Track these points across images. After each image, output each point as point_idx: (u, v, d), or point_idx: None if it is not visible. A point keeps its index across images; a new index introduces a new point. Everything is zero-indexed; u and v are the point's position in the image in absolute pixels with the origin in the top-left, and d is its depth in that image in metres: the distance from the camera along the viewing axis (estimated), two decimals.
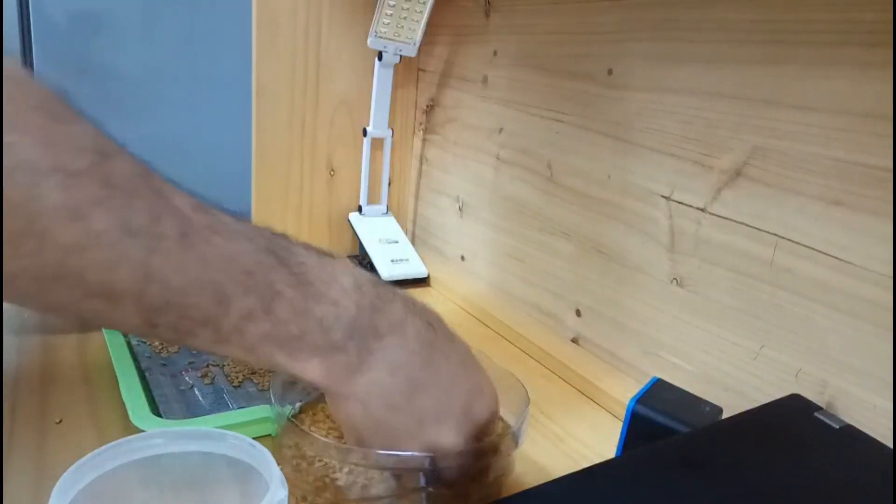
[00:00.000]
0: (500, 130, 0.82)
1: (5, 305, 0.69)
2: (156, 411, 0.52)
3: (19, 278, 0.28)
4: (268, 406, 0.51)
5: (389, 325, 0.37)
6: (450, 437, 0.38)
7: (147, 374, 0.58)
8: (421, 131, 1.00)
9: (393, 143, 0.97)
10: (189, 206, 0.33)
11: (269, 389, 0.47)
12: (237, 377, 0.59)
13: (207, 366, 0.60)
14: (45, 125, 0.28)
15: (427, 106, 0.98)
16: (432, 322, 0.40)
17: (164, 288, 0.31)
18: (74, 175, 0.28)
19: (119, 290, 0.30)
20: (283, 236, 0.36)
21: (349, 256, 1.00)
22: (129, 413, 0.49)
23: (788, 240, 0.51)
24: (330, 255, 0.37)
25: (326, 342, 0.35)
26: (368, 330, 0.36)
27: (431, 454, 0.41)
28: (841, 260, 0.47)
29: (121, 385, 0.53)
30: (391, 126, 0.95)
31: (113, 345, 0.59)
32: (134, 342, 0.63)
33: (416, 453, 0.40)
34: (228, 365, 0.61)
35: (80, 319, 0.33)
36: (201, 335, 0.33)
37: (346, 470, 0.42)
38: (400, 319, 0.37)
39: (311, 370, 0.35)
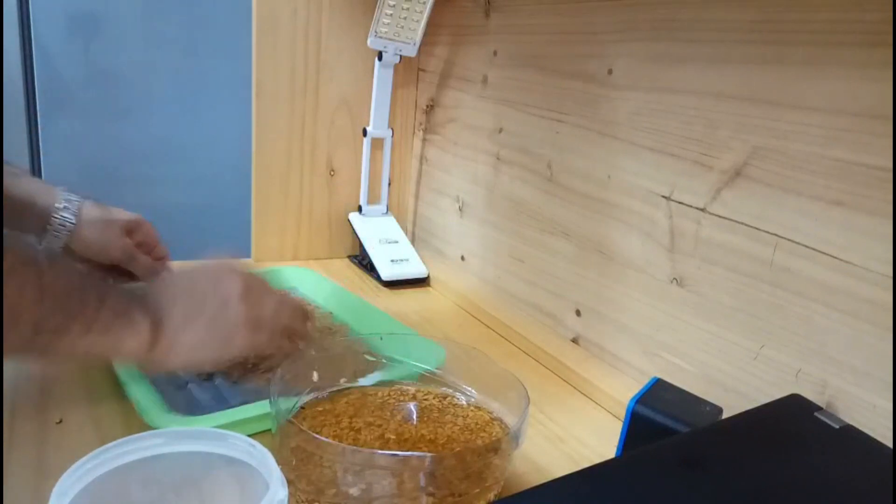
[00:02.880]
0: (500, 130, 0.82)
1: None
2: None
3: None
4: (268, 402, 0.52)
5: (164, 300, 0.52)
6: (230, 280, 0.53)
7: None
8: (421, 131, 1.00)
9: (393, 143, 0.97)
10: (39, 250, 0.48)
11: (267, 385, 0.51)
12: (234, 373, 0.59)
13: None
14: None
15: (427, 106, 0.98)
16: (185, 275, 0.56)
17: (52, 296, 0.44)
18: None
19: (24, 306, 0.42)
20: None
21: (349, 257, 1.00)
22: (143, 413, 0.50)
23: (788, 240, 0.51)
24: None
25: (140, 306, 0.49)
26: (152, 294, 0.52)
27: (431, 454, 0.41)
28: (841, 260, 0.47)
29: (129, 386, 0.53)
30: (391, 126, 0.95)
31: None
32: None
33: (416, 453, 0.40)
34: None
35: None
36: (73, 329, 0.45)
37: (346, 470, 0.42)
38: (168, 292, 0.53)
39: (142, 331, 0.48)
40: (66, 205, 0.66)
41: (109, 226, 0.69)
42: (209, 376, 0.58)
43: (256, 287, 0.55)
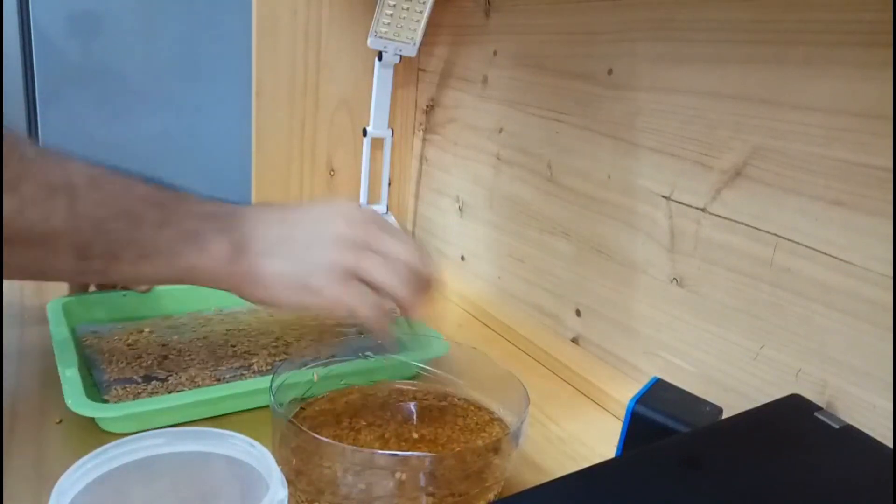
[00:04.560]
0: (500, 130, 0.82)
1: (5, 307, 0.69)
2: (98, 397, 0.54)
3: None
4: (221, 386, 0.55)
5: (247, 208, 0.48)
6: (338, 220, 0.46)
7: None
8: (421, 131, 1.00)
9: (393, 143, 0.97)
10: (83, 164, 0.42)
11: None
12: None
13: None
14: None
15: (427, 106, 0.98)
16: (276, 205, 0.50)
17: (90, 223, 0.40)
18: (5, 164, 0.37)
19: (56, 234, 0.39)
20: (156, 178, 0.45)
21: None
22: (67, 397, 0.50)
23: (788, 240, 0.51)
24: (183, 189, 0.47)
25: (216, 227, 0.44)
26: (236, 211, 0.47)
27: (431, 454, 0.41)
28: (841, 260, 0.47)
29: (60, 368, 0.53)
30: (391, 126, 0.95)
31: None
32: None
33: (416, 453, 0.40)
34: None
35: (20, 273, 0.41)
36: (126, 255, 0.42)
37: (346, 470, 0.42)
38: (260, 217, 0.47)
39: (218, 252, 0.43)
40: None
41: None
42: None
43: (373, 233, 0.47)
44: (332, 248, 0.45)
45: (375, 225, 0.47)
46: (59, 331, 0.60)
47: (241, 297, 0.46)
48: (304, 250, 0.45)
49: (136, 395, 0.55)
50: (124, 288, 0.68)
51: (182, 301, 0.72)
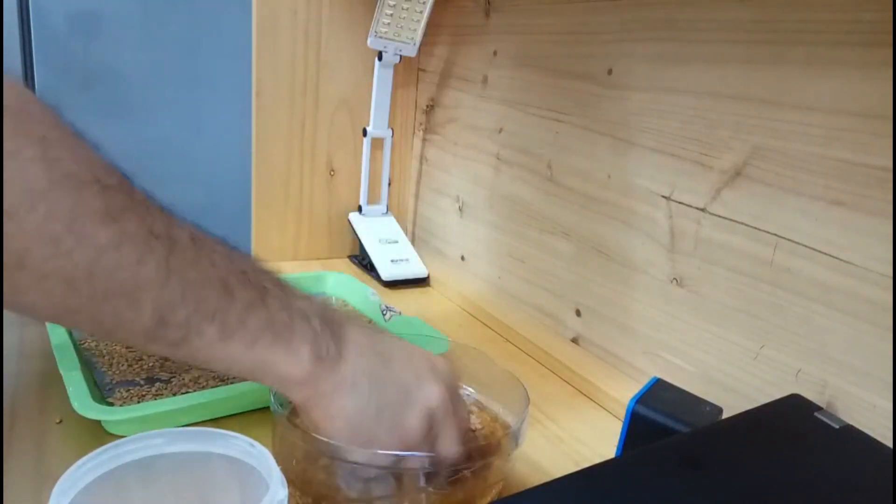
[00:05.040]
0: (500, 130, 0.82)
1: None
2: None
3: (50, 279, 0.31)
4: (224, 388, 0.55)
5: (343, 315, 0.42)
6: (434, 389, 0.41)
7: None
8: (421, 131, 1.00)
9: (393, 143, 0.97)
10: (184, 220, 0.37)
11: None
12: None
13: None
14: (76, 145, 0.34)
15: (427, 106, 0.98)
16: (361, 317, 0.44)
17: (181, 281, 0.34)
18: (108, 188, 0.33)
19: (143, 284, 0.33)
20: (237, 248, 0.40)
21: (349, 257, 1.00)
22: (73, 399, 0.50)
23: (788, 240, 0.51)
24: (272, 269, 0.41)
25: (310, 330, 0.39)
26: (333, 320, 0.41)
27: (431, 454, 0.41)
28: (841, 260, 0.47)
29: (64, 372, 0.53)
30: (391, 126, 0.95)
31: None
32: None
33: (416, 453, 0.40)
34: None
35: (91, 325, 0.35)
36: (208, 332, 0.36)
37: (346, 470, 0.42)
38: (346, 312, 0.42)
39: (301, 359, 0.38)
40: None
41: None
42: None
43: (454, 403, 0.42)
44: (417, 414, 0.40)
45: (458, 414, 0.42)
46: (58, 333, 0.60)
47: (301, 411, 0.41)
48: (391, 398, 0.40)
49: (141, 397, 0.55)
50: None
51: None
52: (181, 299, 0.35)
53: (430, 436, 0.41)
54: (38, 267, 0.31)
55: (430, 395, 0.40)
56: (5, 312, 0.68)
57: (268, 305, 0.37)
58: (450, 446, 0.41)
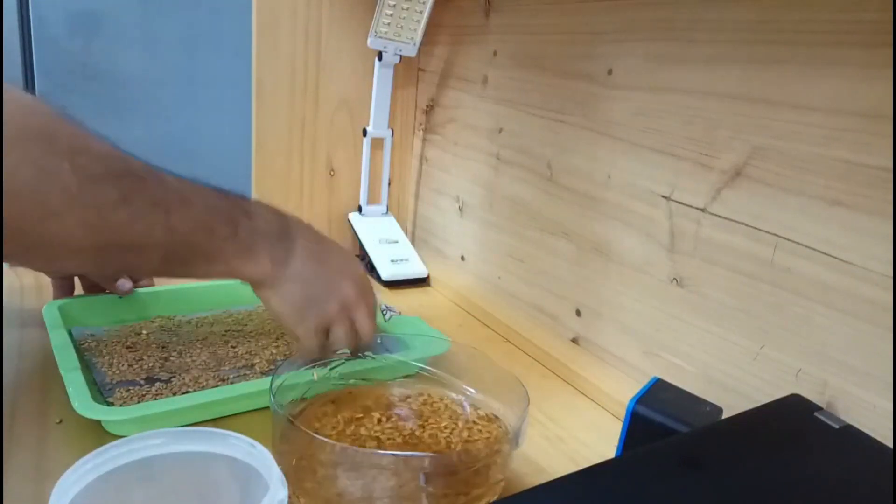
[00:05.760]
0: (500, 130, 0.82)
1: (6, 307, 0.69)
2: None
3: (86, 250, 0.44)
4: (223, 388, 0.56)
5: (297, 229, 0.57)
6: (348, 284, 0.57)
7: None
8: (421, 131, 1.00)
9: (393, 143, 0.97)
10: (176, 180, 0.50)
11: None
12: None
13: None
14: (91, 146, 0.44)
15: (427, 106, 0.98)
16: (314, 231, 0.60)
17: (179, 236, 0.48)
18: (119, 177, 0.45)
19: (153, 244, 0.47)
20: (226, 190, 0.54)
21: None
22: (73, 399, 0.50)
23: (788, 240, 0.51)
24: (250, 200, 0.57)
25: (269, 245, 0.54)
26: (289, 235, 0.56)
27: (431, 454, 0.41)
28: (841, 260, 0.47)
29: (64, 374, 0.53)
30: (391, 126, 0.95)
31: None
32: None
33: (416, 453, 0.40)
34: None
35: (113, 268, 0.56)
36: (197, 261, 0.50)
37: (346, 470, 0.42)
38: (300, 227, 0.58)
39: (262, 265, 0.53)
40: None
41: None
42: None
43: (364, 295, 0.59)
44: (335, 302, 0.56)
45: (367, 302, 0.59)
46: (58, 334, 0.60)
47: (260, 296, 0.56)
48: (319, 291, 0.56)
49: (141, 397, 0.55)
50: (111, 291, 0.69)
51: (175, 304, 0.72)
52: (179, 247, 0.48)
53: (346, 316, 0.57)
54: (77, 244, 0.43)
55: (345, 290, 0.57)
56: (5, 312, 0.68)
57: (238, 234, 0.52)
58: (362, 322, 0.57)
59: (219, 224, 0.51)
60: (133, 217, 0.45)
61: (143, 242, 0.46)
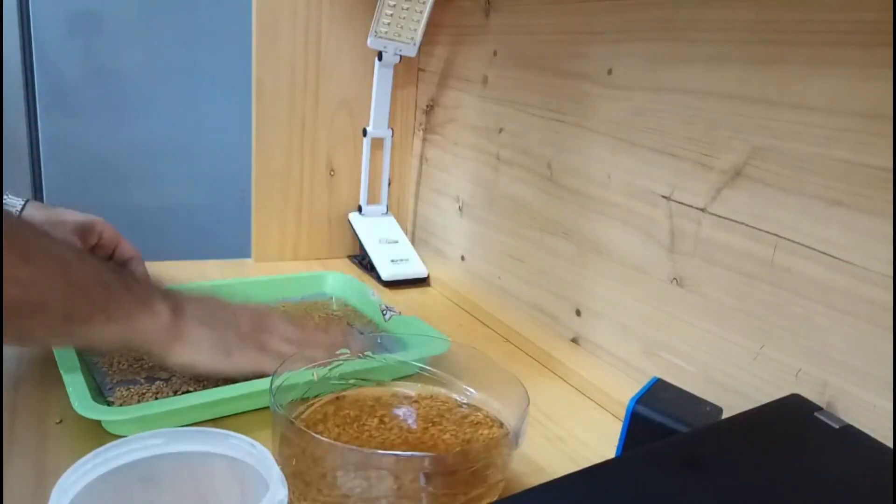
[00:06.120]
0: (500, 130, 0.82)
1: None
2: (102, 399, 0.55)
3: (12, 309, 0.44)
4: (218, 389, 0.55)
5: (179, 291, 0.57)
6: (253, 314, 0.59)
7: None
8: (421, 131, 1.00)
9: (393, 143, 0.97)
10: (64, 241, 0.53)
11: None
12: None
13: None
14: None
15: (427, 106, 0.98)
16: (203, 296, 0.60)
17: (80, 290, 0.49)
18: (17, 233, 0.45)
19: (55, 300, 0.47)
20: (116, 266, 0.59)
21: (349, 257, 1.00)
22: (73, 399, 0.50)
23: (788, 240, 0.51)
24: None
25: (163, 298, 0.54)
26: (176, 293, 0.56)
27: (431, 454, 0.41)
28: (841, 260, 0.47)
29: (64, 373, 0.54)
30: (391, 126, 0.95)
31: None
32: None
33: (416, 453, 0.40)
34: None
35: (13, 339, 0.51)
36: (98, 318, 0.49)
37: (346, 470, 0.42)
38: (190, 296, 0.57)
39: (161, 317, 0.52)
40: (6, 208, 0.64)
41: (56, 228, 0.64)
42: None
43: (269, 314, 0.61)
44: (244, 324, 0.58)
45: (269, 320, 0.60)
46: None
47: (165, 358, 0.54)
48: (226, 319, 0.57)
49: (141, 396, 0.55)
50: None
51: None
52: (81, 302, 0.49)
53: (259, 334, 0.57)
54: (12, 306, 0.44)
55: (248, 313, 0.59)
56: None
57: (132, 288, 0.52)
58: (276, 333, 0.58)
59: (113, 279, 0.51)
60: (36, 274, 0.45)
61: (44, 301, 0.46)
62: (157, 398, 0.55)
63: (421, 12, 0.86)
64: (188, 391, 0.56)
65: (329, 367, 0.55)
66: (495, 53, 0.82)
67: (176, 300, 0.54)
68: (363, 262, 0.96)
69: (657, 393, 0.48)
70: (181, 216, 1.56)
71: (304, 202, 0.96)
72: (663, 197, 0.61)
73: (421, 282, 0.93)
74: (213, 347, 0.54)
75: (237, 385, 0.56)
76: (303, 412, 0.52)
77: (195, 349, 0.54)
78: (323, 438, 0.41)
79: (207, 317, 0.56)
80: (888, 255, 0.44)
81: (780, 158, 0.51)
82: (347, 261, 1.00)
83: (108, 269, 0.52)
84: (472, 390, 0.55)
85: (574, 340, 0.73)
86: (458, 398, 0.55)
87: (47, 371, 0.57)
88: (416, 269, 0.92)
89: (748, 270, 0.54)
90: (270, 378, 0.48)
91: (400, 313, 0.73)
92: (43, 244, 0.47)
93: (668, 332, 0.61)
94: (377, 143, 0.96)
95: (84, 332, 0.50)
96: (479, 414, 0.53)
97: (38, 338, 0.50)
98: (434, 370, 0.56)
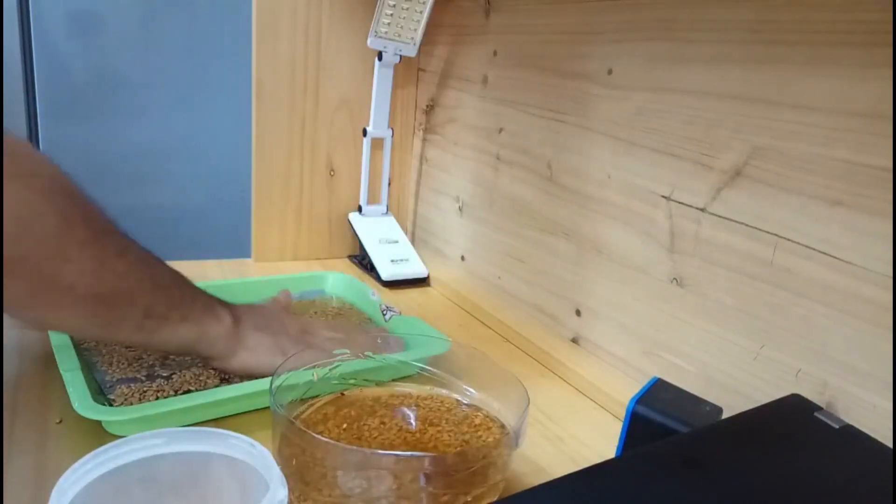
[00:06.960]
0: (500, 130, 0.82)
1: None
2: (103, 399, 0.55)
3: (86, 299, 0.47)
4: (217, 389, 0.56)
5: (238, 307, 0.60)
6: (296, 321, 0.64)
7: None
8: (421, 131, 1.00)
9: (393, 143, 0.97)
10: (145, 247, 0.53)
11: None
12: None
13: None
14: (86, 195, 0.49)
15: (427, 106, 0.98)
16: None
17: (162, 290, 0.53)
18: (108, 233, 0.50)
19: (131, 292, 0.50)
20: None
21: (349, 257, 1.00)
22: (73, 399, 0.50)
23: (788, 240, 0.51)
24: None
25: (222, 306, 0.57)
26: (228, 303, 0.59)
27: (431, 454, 0.41)
28: (841, 260, 0.47)
29: (64, 373, 0.54)
30: (391, 126, 0.95)
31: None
32: None
33: (416, 453, 0.40)
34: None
35: (91, 330, 0.54)
36: (173, 316, 0.53)
37: (346, 470, 0.42)
38: (240, 305, 0.60)
39: (224, 322, 0.56)
40: None
41: None
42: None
43: (309, 320, 0.68)
44: (291, 328, 0.62)
45: (311, 324, 0.65)
46: (57, 334, 0.60)
47: (227, 363, 0.57)
48: (277, 327, 0.61)
49: (142, 394, 0.55)
50: None
51: None
52: (161, 298, 0.52)
53: (306, 336, 0.62)
54: (81, 291, 0.47)
55: (294, 320, 0.64)
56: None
57: (199, 295, 0.56)
58: (320, 334, 0.63)
59: (184, 283, 0.55)
60: (129, 267, 0.49)
61: (134, 293, 0.50)
62: (157, 396, 0.55)
63: (421, 12, 0.86)
64: (189, 390, 0.56)
65: (329, 368, 0.55)
66: (495, 53, 0.82)
67: (232, 308, 0.58)
68: (363, 262, 0.96)
69: (657, 393, 0.48)
70: (181, 216, 1.56)
71: (304, 202, 0.96)
72: (663, 197, 0.61)
73: (421, 282, 0.93)
74: (269, 352, 0.58)
75: (237, 385, 0.56)
76: (303, 412, 0.52)
77: (255, 354, 0.57)
78: (323, 438, 0.41)
79: (262, 324, 0.59)
80: (888, 255, 0.44)
81: (780, 158, 0.51)
82: (347, 261, 1.00)
83: (179, 274, 0.55)
84: (472, 390, 0.55)
85: (574, 340, 0.73)
86: (458, 398, 0.55)
87: (47, 371, 0.57)
88: (416, 269, 0.92)
89: (748, 270, 0.54)
90: (270, 378, 0.48)
91: (400, 313, 0.73)
92: (130, 243, 0.51)
93: (668, 332, 0.61)
94: (377, 143, 0.96)
95: (160, 330, 0.52)
96: (479, 414, 0.53)
97: (123, 330, 0.51)
98: (434, 370, 0.56)
